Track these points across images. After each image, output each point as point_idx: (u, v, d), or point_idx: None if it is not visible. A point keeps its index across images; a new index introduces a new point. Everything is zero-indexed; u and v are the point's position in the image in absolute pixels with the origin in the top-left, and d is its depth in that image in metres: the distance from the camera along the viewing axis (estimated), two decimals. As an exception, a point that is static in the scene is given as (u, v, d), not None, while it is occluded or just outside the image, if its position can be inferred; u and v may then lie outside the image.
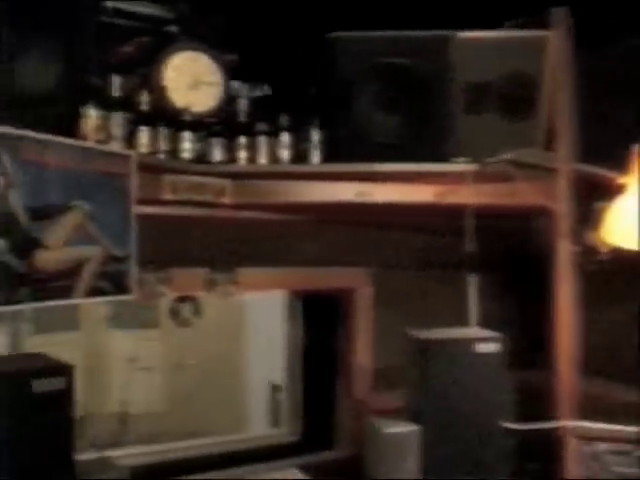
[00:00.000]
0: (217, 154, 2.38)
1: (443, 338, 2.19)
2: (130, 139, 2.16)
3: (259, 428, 4.47)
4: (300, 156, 2.44)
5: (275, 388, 4.18)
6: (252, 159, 2.42)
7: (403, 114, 2.38)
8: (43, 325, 4.72)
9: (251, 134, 2.41)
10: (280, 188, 2.45)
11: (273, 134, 2.42)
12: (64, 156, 1.86)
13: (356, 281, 2.88)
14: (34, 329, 4.62)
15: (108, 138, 2.06)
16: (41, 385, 1.49)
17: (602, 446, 2.31)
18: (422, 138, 2.38)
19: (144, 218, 2.16)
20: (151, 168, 2.21)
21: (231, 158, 2.40)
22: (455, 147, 2.38)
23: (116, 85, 2.12)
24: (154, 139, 2.22)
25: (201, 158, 2.34)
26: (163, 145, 2.25)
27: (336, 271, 2.83)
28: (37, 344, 4.68)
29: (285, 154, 2.43)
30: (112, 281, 2.01)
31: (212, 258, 2.54)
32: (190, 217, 2.39)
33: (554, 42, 2.31)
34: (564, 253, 2.43)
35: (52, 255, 1.83)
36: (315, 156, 2.44)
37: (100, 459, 1.99)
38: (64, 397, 1.54)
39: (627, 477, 2.28)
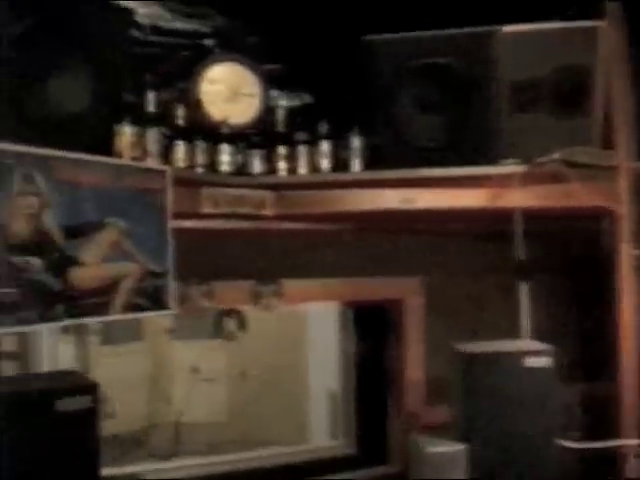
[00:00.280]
0: (257, 166, 2.36)
1: (490, 352, 2.07)
2: (166, 154, 2.16)
3: (319, 439, 4.42)
4: (341, 164, 2.38)
5: (334, 398, 4.13)
6: (292, 169, 2.38)
7: (446, 116, 2.29)
8: (108, 336, 4.86)
9: (290, 144, 2.38)
10: (322, 197, 2.40)
11: (313, 143, 2.38)
12: (98, 174, 1.88)
13: (405, 291, 2.78)
14: (100, 340, 4.77)
15: (144, 154, 2.07)
16: (65, 404, 1.50)
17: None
18: (467, 140, 2.28)
19: (185, 232, 2.16)
20: (189, 182, 2.21)
21: (271, 169, 2.37)
22: (503, 148, 2.26)
23: (151, 101, 2.13)
24: (191, 153, 2.22)
25: (240, 170, 2.33)
26: (201, 159, 2.24)
27: (384, 281, 2.74)
28: (103, 355, 4.82)
29: (325, 163, 2.38)
30: (150, 297, 2.01)
31: (255, 270, 2.51)
32: (232, 230, 2.38)
33: (607, 32, 2.15)
34: (626, 257, 2.25)
35: (88, 272, 1.84)
36: (356, 163, 2.38)
37: (128, 475, 1.98)
38: (89, 416, 1.54)
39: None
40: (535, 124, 2.24)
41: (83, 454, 1.53)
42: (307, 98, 2.51)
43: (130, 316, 1.97)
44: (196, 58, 2.31)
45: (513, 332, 2.35)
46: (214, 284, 2.44)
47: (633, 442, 2.14)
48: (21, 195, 1.70)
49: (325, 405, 4.38)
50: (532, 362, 1.98)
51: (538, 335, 2.29)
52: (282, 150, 2.37)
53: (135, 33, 2.21)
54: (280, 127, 2.40)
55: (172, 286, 2.06)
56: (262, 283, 2.53)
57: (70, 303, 1.78)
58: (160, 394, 4.88)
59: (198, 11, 2.32)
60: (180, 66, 2.31)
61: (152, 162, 2.09)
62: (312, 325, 4.62)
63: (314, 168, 2.38)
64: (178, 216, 2.13)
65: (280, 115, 2.40)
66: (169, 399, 4.69)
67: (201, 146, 2.25)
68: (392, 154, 2.32)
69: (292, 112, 2.44)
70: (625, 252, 2.26)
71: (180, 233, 2.11)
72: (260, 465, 3.33)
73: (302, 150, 2.38)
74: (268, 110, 2.42)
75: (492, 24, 2.18)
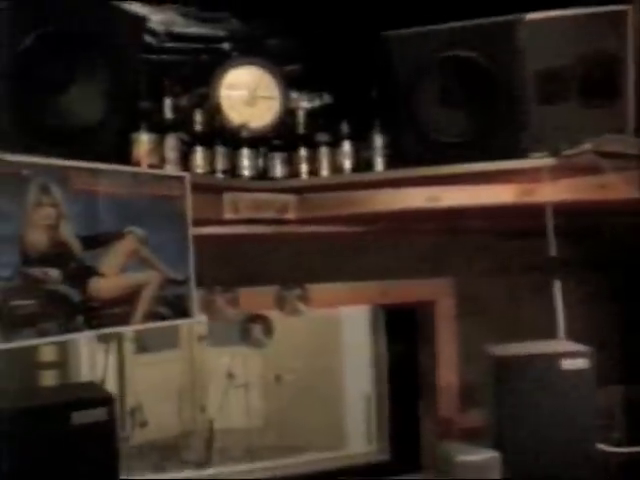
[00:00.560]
0: (278, 169, 2.32)
1: (524, 354, 1.98)
2: (185, 161, 2.14)
3: (356, 444, 4.36)
4: (363, 164, 2.33)
5: (369, 403, 4.07)
6: (314, 171, 2.34)
7: (470, 110, 2.20)
8: (143, 344, 4.90)
9: (312, 145, 2.33)
10: (345, 199, 2.35)
11: (334, 144, 2.33)
12: (115, 183, 1.87)
13: (436, 292, 2.71)
14: (135, 348, 4.81)
15: (162, 161, 2.05)
16: (81, 417, 1.48)
17: None
18: (493, 134, 2.20)
19: (207, 239, 2.14)
20: (209, 188, 2.19)
21: (293, 172, 2.33)
22: (531, 141, 2.17)
23: (169, 107, 2.11)
24: (211, 159, 2.19)
25: (262, 174, 2.29)
26: (221, 164, 2.21)
27: (413, 283, 2.67)
28: (139, 363, 4.87)
29: (348, 163, 2.33)
30: (172, 305, 1.99)
31: (280, 275, 2.48)
32: (255, 235, 2.35)
33: (636, 16, 2.05)
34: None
35: (107, 282, 1.83)
36: (379, 163, 2.32)
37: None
38: (105, 429, 1.53)
39: None
40: (564, 115, 2.15)
41: (100, 468, 1.51)
42: (327, 98, 2.46)
43: (152, 325, 1.95)
44: (213, 63, 2.29)
45: (548, 332, 2.26)
46: (238, 290, 2.41)
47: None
48: (38, 206, 1.70)
49: (361, 409, 4.32)
50: (569, 364, 1.89)
51: (574, 335, 2.19)
52: (303, 152, 2.32)
53: (150, 40, 2.20)
54: (300, 129, 2.36)
55: (194, 294, 2.04)
56: (287, 288, 2.50)
57: (90, 314, 1.77)
58: (195, 401, 4.89)
59: (213, 15, 2.31)
60: (197, 71, 2.29)
61: (171, 169, 2.07)
62: (346, 328, 4.57)
63: (336, 169, 2.33)
64: (199, 223, 2.11)
65: (300, 117, 2.36)
66: (204, 406, 4.71)
67: (221, 151, 2.22)
68: (416, 151, 2.25)
69: (312, 113, 2.39)
70: (666, 246, 2.15)
71: (202, 240, 2.08)
72: (296, 472, 3.30)
73: (324, 151, 2.33)
74: (288, 112, 2.38)
75: (514, 12, 2.10)
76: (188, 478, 3.57)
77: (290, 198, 2.33)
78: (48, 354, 3.98)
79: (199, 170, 2.16)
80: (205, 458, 4.14)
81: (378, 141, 2.31)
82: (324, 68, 2.46)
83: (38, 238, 1.69)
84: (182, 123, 2.14)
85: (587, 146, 2.05)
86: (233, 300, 2.39)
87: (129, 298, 1.88)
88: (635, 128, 2.14)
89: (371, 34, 2.20)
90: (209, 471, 3.66)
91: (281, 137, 2.34)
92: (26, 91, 1.74)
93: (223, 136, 2.23)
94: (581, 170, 2.17)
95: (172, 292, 1.98)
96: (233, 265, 2.35)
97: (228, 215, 2.24)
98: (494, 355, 2.02)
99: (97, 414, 1.51)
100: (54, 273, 1.72)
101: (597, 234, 2.47)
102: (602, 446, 1.93)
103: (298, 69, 2.46)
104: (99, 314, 1.79)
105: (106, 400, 1.57)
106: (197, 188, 2.09)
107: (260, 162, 2.29)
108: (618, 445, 1.98)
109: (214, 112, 2.27)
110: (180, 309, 2.01)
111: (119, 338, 4.46)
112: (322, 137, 2.34)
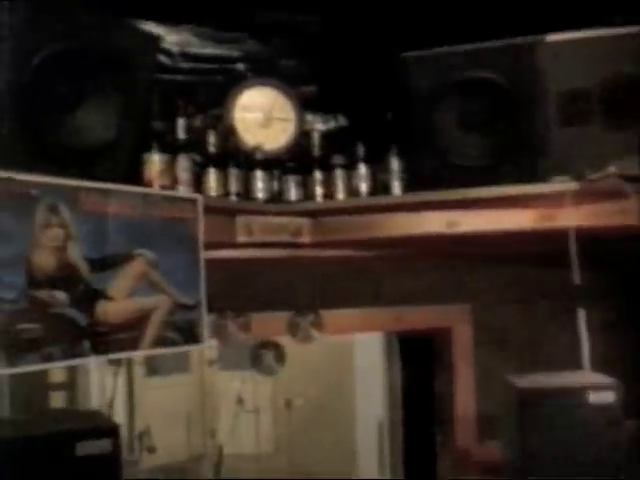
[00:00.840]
0: (292, 192, 2.27)
1: (548, 387, 1.89)
2: (198, 182, 2.10)
3: (367, 470, 4.26)
4: (380, 188, 2.27)
5: (381, 430, 3.97)
6: (329, 194, 2.29)
7: (490, 133, 2.15)
8: (154, 367, 4.84)
9: (327, 168, 2.29)
10: (361, 223, 2.29)
11: (350, 166, 2.28)
12: (125, 204, 1.82)
13: (453, 319, 2.64)
14: (145, 371, 4.76)
15: (174, 183, 2.01)
16: (85, 448, 1.42)
17: None
18: (514, 158, 2.14)
19: (219, 263, 2.09)
20: (223, 210, 2.14)
21: (307, 195, 2.28)
22: (553, 165, 2.11)
23: (182, 128, 2.08)
24: (224, 180, 2.15)
25: (276, 197, 2.24)
26: (234, 186, 2.17)
27: (429, 309, 2.60)
28: (149, 386, 4.81)
29: (364, 187, 2.28)
30: (181, 330, 1.93)
31: (293, 301, 2.42)
32: (268, 259, 2.29)
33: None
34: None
35: (116, 306, 1.78)
36: (396, 186, 2.27)
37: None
38: (110, 460, 1.46)
39: None
40: (586, 137, 2.09)
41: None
42: (342, 120, 2.42)
43: (161, 351, 1.90)
44: (228, 83, 2.26)
45: (568, 361, 2.17)
46: (250, 315, 2.35)
47: None
48: (46, 227, 1.66)
49: (373, 435, 4.23)
50: (595, 398, 1.80)
51: (597, 365, 2.11)
52: (318, 175, 2.28)
53: (164, 60, 2.18)
54: (316, 151, 2.31)
55: (205, 319, 1.98)
56: (300, 314, 2.43)
57: (97, 339, 1.72)
58: (205, 425, 4.82)
59: (228, 36, 2.28)
60: (212, 92, 2.26)
61: (183, 190, 2.03)
62: (359, 353, 4.49)
63: (352, 192, 2.27)
64: (212, 246, 2.06)
65: (315, 139, 2.32)
66: (214, 431, 4.63)
67: (234, 173, 2.17)
68: (434, 175, 2.19)
69: (328, 135, 2.35)
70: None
71: (214, 263, 2.03)
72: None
73: (339, 174, 2.28)
74: (303, 134, 2.34)
75: (534, 34, 2.05)
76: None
77: (304, 221, 2.28)
78: (58, 375, 3.93)
79: (212, 192, 2.12)
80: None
81: (395, 164, 2.26)
82: (339, 89, 2.42)
83: (45, 260, 1.65)
84: (195, 144, 2.11)
85: (612, 169, 1.99)
86: (245, 325, 2.33)
87: (137, 323, 1.83)
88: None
89: (387, 55, 2.16)
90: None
91: (296, 159, 2.30)
92: (37, 110, 1.70)
93: (237, 158, 2.19)
94: (603, 195, 2.10)
95: (182, 317, 1.93)
96: (245, 289, 2.29)
97: (241, 238, 2.19)
98: (516, 386, 1.93)
99: (102, 445, 1.44)
100: (61, 296, 1.67)
101: (619, 262, 2.39)
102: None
103: (313, 90, 2.43)
104: (106, 339, 1.73)
105: (111, 431, 1.51)
106: (210, 210, 2.04)
107: (274, 185, 2.25)
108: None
109: (228, 133, 2.23)
110: (190, 334, 1.95)
111: (129, 361, 4.41)
112: (337, 160, 2.29)
